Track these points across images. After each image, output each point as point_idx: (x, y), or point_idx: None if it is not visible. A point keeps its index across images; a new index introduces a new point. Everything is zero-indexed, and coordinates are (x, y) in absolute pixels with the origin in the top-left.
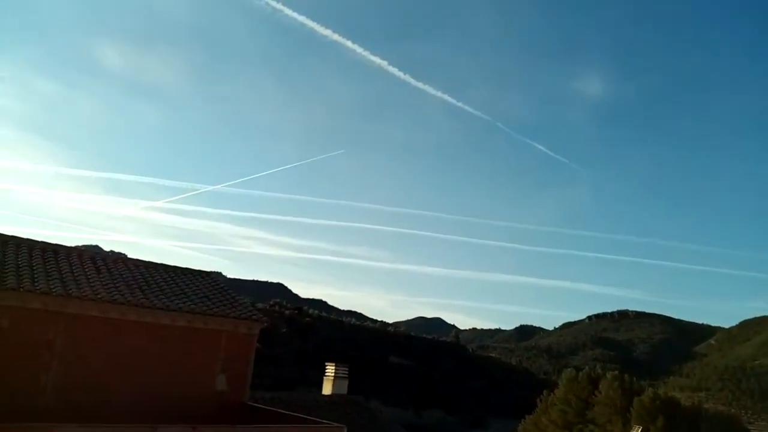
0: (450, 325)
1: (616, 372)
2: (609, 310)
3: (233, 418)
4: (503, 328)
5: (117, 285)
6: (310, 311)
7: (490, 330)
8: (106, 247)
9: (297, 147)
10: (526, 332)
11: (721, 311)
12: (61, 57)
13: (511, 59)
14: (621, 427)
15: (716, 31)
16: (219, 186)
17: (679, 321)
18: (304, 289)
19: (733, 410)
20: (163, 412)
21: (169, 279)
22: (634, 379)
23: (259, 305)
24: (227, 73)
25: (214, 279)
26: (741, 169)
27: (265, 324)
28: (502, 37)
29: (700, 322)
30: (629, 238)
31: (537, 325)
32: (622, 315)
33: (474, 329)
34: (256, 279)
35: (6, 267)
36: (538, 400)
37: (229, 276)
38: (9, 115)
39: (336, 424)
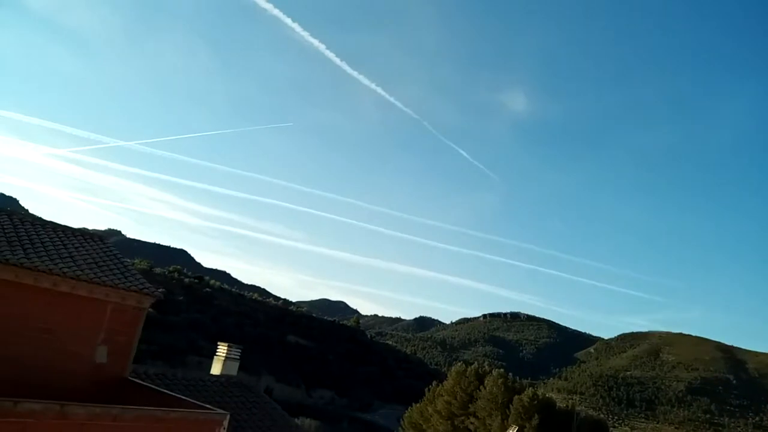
0: (353, 309)
1: (502, 370)
2: (503, 311)
3: (111, 393)
4: (403, 317)
5: None
6: (211, 282)
7: (390, 318)
8: None
9: (220, 115)
10: (424, 324)
11: (603, 323)
12: None
13: (445, 64)
14: (500, 422)
15: (637, 69)
16: (130, 143)
17: (565, 328)
18: (207, 258)
19: (601, 414)
20: (35, 381)
21: (56, 239)
22: (518, 378)
23: (158, 270)
24: (156, 31)
25: (107, 245)
26: (643, 200)
27: (158, 297)
28: (439, 42)
29: (583, 331)
30: (530, 247)
31: (435, 318)
32: (515, 317)
33: (376, 316)
34: (158, 242)
35: None
36: (426, 390)
37: (129, 236)
38: None
39: (219, 411)
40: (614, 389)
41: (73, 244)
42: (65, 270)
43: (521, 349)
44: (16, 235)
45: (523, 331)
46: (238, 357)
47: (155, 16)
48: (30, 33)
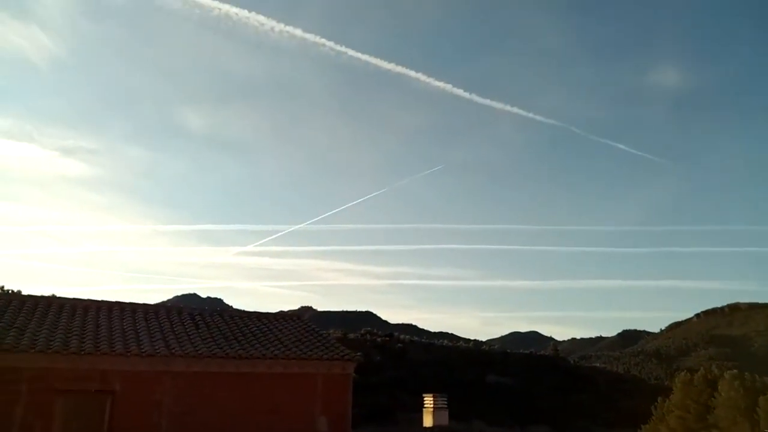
0: (547, 337)
1: (735, 370)
2: (718, 305)
3: None
4: (604, 335)
5: (215, 338)
6: (401, 337)
7: (590, 339)
8: (203, 294)
9: (373, 178)
10: (630, 337)
11: None
12: (149, 126)
13: (579, 61)
14: (749, 430)
15: None
16: (302, 225)
17: None
18: (392, 315)
19: None
20: None
21: (263, 326)
22: (757, 376)
23: (351, 335)
24: (300, 119)
25: (304, 322)
26: None
27: (359, 361)
28: (566, 40)
29: None
30: (732, 228)
31: (641, 329)
32: (734, 309)
33: (573, 339)
34: (345, 309)
35: (114, 332)
36: (652, 408)
37: (319, 309)
38: (105, 183)
39: None
40: None
41: (277, 328)
42: (276, 353)
43: (751, 343)
44: (229, 330)
45: (747, 323)
46: (445, 405)
47: (297, 110)
48: (197, 153)
